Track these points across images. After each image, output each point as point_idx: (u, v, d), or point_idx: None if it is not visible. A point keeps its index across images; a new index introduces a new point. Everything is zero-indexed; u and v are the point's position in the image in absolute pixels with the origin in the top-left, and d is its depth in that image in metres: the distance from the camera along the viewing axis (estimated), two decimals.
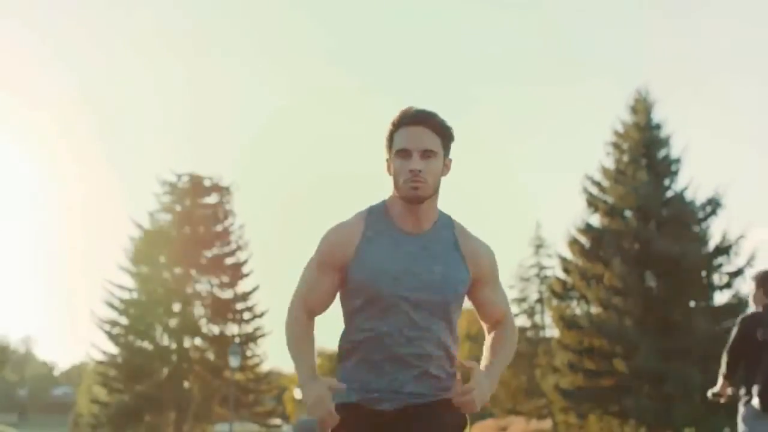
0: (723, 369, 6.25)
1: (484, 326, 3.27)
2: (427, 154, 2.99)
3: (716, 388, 6.32)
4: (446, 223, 3.12)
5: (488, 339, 3.24)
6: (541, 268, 40.85)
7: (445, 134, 3.04)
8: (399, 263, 3.02)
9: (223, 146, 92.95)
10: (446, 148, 3.06)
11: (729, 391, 6.23)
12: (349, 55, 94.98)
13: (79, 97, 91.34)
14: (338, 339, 3.16)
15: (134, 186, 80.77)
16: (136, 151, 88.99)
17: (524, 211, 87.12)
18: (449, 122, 3.08)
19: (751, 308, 6.40)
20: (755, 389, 5.95)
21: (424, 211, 3.05)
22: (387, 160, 3.09)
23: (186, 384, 36.11)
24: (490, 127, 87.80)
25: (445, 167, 3.08)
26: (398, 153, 3.01)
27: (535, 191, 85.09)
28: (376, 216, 3.10)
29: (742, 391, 6.08)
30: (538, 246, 41.07)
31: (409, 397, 3.05)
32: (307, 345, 3.13)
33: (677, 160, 29.81)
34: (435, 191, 3.04)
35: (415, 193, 2.98)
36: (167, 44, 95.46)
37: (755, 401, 5.92)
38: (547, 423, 37.15)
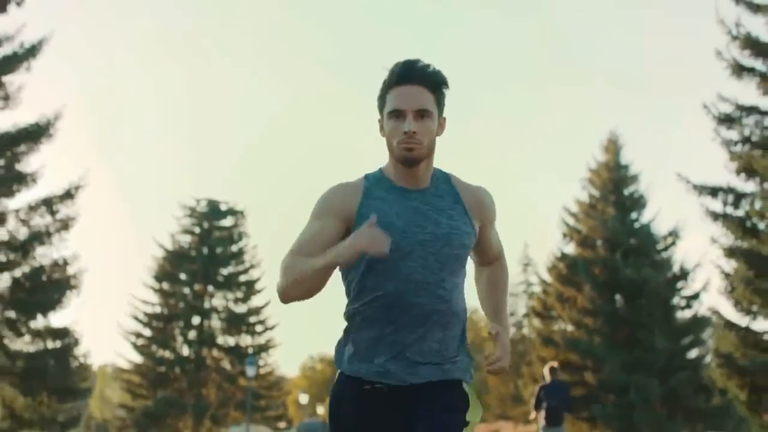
0: (532, 407, 13.43)
1: (474, 261, 3.39)
2: (421, 113, 2.98)
3: (532, 416, 13.60)
4: (443, 177, 3.16)
5: (484, 276, 3.39)
6: (529, 284, 46.46)
7: (438, 89, 3.04)
8: (405, 215, 3.03)
9: (223, 152, 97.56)
10: (440, 105, 3.06)
11: (537, 418, 13.41)
12: (349, 60, 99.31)
13: (78, 99, 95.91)
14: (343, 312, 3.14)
15: (133, 188, 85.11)
16: (135, 154, 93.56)
17: (525, 214, 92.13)
18: (442, 72, 3.07)
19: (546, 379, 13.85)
20: (542, 415, 13.23)
21: (421, 172, 3.06)
22: (379, 121, 3.08)
23: (204, 390, 41.09)
24: (491, 131, 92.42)
25: (440, 126, 3.08)
26: (391, 114, 3.00)
27: (536, 196, 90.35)
28: (374, 177, 3.13)
29: (540, 416, 13.09)
30: (526, 264, 46.72)
31: (417, 367, 3.02)
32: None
33: (642, 197, 35.37)
34: (430, 152, 3.05)
35: (410, 154, 2.99)
36: (167, 48, 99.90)
37: (542, 423, 13.22)
38: (533, 427, 42.71)
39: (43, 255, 21.19)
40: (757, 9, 19.89)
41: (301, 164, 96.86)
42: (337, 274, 3.06)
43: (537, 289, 43.57)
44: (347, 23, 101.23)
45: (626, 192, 35.45)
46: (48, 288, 21.07)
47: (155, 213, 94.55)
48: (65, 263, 21.27)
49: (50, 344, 21.55)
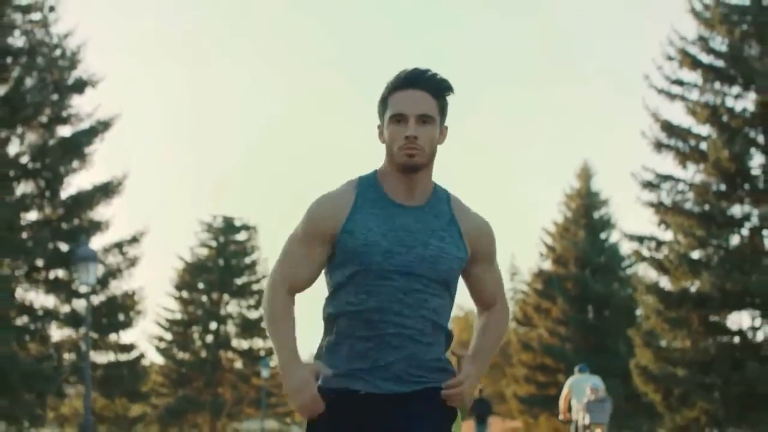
0: (467, 414, 20.96)
1: (476, 307, 3.31)
2: (423, 119, 3.03)
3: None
4: (442, 196, 3.17)
5: (478, 322, 3.30)
6: (516, 292, 53.77)
7: (442, 96, 3.11)
8: (392, 235, 3.05)
9: (225, 155, 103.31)
10: (443, 113, 3.12)
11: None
12: (352, 60, 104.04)
13: None
14: (321, 311, 3.19)
15: (131, 187, 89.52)
16: (135, 153, 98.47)
17: (524, 214, 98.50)
18: (448, 80, 3.12)
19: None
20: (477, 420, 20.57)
21: (419, 182, 3.09)
22: (379, 127, 3.14)
23: (220, 389, 47.52)
24: (488, 131, 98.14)
25: (441, 135, 3.12)
26: (392, 118, 3.05)
27: (535, 195, 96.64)
28: (366, 185, 3.15)
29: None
30: (513, 274, 54.18)
31: (395, 382, 3.07)
32: (288, 325, 3.14)
33: (610, 220, 42.71)
34: (431, 160, 3.09)
35: (410, 160, 3.02)
36: (166, 49, 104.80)
37: (474, 424, 20.70)
38: (517, 423, 50.03)
39: (116, 287, 28.68)
40: (673, 98, 27.17)
41: (304, 167, 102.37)
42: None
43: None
44: (348, 23, 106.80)
45: (596, 216, 42.79)
46: (120, 313, 28.56)
47: (156, 214, 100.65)
48: (133, 293, 28.75)
49: (121, 357, 29.11)
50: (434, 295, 3.09)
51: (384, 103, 3.11)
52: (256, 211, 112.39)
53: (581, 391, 16.42)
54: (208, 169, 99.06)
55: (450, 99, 3.15)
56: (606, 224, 42.82)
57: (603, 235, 42.74)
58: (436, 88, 3.09)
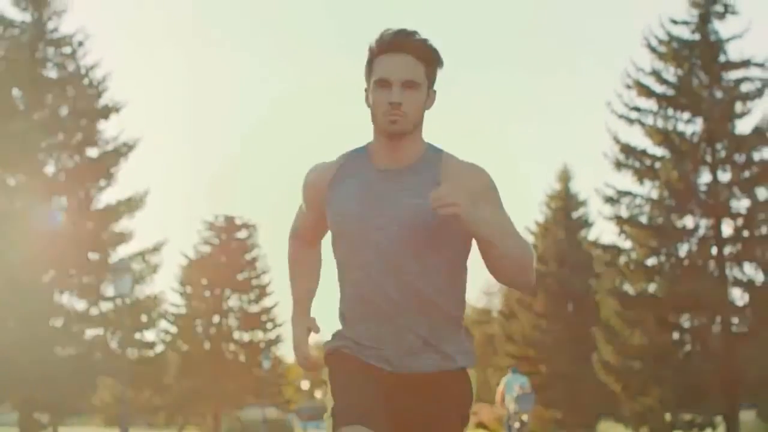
0: None
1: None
2: (408, 84, 3.04)
3: None
4: (433, 155, 3.16)
5: None
6: (501, 286, 58.35)
7: (429, 61, 3.10)
8: (366, 201, 3.11)
9: (224, 157, 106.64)
10: (430, 78, 3.12)
11: None
12: (350, 52, 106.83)
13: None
14: None
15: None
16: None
17: (519, 198, 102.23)
18: (434, 45, 3.11)
19: None
20: None
21: (405, 147, 3.11)
22: (365, 90, 3.15)
23: (222, 380, 50.39)
24: (483, 112, 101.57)
25: (429, 99, 3.13)
26: (377, 83, 3.07)
27: (527, 178, 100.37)
28: (354, 156, 3.22)
29: None
30: None
31: (395, 359, 3.10)
32: (301, 277, 3.41)
33: (588, 219, 47.36)
34: (416, 126, 3.10)
35: (393, 127, 3.05)
36: (168, 34, 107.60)
37: None
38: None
39: (139, 291, 33.33)
40: (631, 122, 31.74)
41: (302, 168, 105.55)
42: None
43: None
44: (347, 10, 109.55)
45: (574, 215, 47.43)
46: (143, 314, 33.25)
47: (160, 207, 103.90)
48: (155, 297, 33.48)
49: (144, 353, 33.85)
50: (418, 257, 3.07)
51: (369, 66, 3.13)
52: (255, 210, 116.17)
53: (512, 387, 22.14)
54: (208, 172, 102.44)
55: (440, 61, 3.14)
56: (584, 224, 47.48)
57: (582, 233, 47.35)
58: (423, 53, 3.09)
